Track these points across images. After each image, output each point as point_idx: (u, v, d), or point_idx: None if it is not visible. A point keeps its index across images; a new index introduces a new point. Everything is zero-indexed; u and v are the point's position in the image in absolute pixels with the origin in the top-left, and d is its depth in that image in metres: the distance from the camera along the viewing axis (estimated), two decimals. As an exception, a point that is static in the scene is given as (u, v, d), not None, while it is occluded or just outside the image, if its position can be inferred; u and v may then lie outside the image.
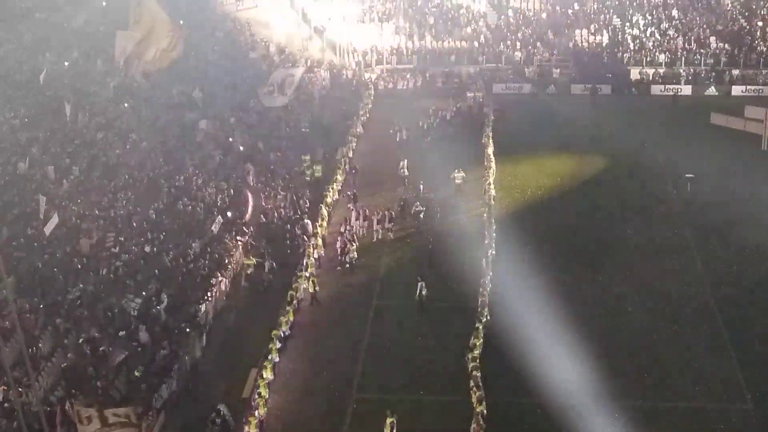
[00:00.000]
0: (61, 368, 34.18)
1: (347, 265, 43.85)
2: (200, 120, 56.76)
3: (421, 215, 47.91)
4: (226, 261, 42.51)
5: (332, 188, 50.61)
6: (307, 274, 41.83)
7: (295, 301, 39.79)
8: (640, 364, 36.24)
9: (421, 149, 56.83)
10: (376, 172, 55.04)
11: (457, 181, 51.33)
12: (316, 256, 43.72)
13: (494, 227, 45.68)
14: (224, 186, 49.35)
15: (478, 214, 48.39)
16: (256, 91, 59.48)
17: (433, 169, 53.15)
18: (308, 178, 52.85)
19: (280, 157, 54.59)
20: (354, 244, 44.47)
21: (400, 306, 40.55)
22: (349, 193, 50.52)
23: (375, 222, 46.99)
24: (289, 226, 46.42)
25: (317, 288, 41.11)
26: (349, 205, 49.34)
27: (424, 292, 40.22)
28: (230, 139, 55.16)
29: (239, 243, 44.20)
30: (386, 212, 47.48)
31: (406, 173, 53.15)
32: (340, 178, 52.48)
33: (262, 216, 47.45)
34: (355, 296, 41.74)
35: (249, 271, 42.86)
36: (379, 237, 46.52)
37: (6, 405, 31.32)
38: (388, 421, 31.91)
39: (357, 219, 47.19)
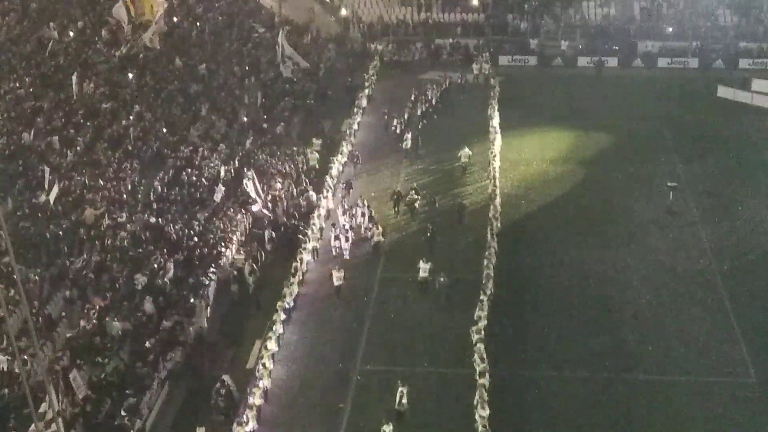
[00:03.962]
0: (66, 338, 34.26)
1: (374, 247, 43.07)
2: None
3: (416, 204, 46.41)
4: (229, 230, 42.48)
5: (337, 160, 50.37)
6: (310, 247, 41.83)
7: (299, 274, 39.76)
8: (644, 338, 36.28)
9: (423, 127, 56.47)
10: (377, 149, 54.41)
11: (463, 159, 50.74)
12: (318, 228, 43.69)
13: (498, 200, 45.59)
14: (227, 151, 49.14)
15: (482, 187, 48.29)
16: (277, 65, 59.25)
17: (437, 145, 53.40)
18: (303, 166, 50.53)
19: (285, 128, 54.35)
20: (378, 227, 43.40)
21: (405, 279, 40.57)
22: (343, 183, 49.00)
23: (359, 215, 45.20)
24: (292, 205, 46.11)
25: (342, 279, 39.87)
26: (343, 196, 47.68)
27: (428, 275, 39.73)
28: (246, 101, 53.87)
29: (244, 213, 44.12)
30: (366, 208, 45.25)
31: (409, 144, 53.05)
32: (345, 150, 51.98)
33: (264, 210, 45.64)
34: (359, 270, 41.67)
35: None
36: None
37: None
38: (399, 390, 32.04)
39: (344, 213, 45.07)
